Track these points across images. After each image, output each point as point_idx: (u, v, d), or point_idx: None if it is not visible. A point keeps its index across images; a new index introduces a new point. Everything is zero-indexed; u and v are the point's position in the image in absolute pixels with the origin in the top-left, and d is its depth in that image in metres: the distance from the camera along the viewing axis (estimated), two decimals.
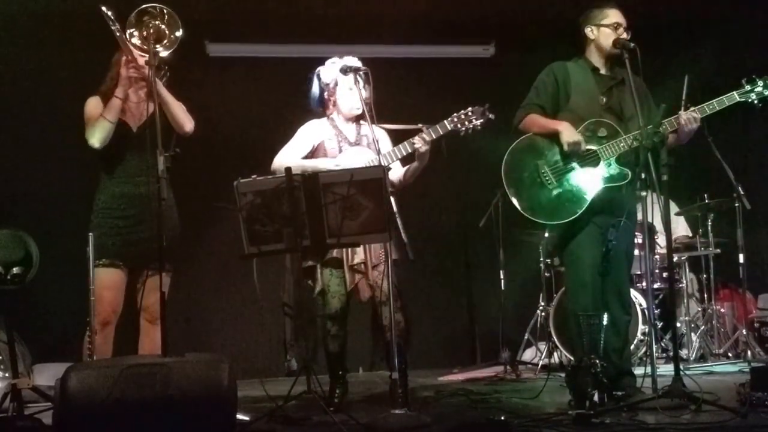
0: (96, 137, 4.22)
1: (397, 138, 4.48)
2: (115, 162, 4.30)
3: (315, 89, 4.61)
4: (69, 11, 6.05)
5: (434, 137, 4.33)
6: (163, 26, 3.99)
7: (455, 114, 4.38)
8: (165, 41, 4.01)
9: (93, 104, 4.30)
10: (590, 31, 4.38)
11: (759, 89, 4.17)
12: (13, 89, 6.23)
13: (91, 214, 4.31)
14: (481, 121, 4.39)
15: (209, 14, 6.48)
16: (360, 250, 4.33)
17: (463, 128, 4.38)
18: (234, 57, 6.79)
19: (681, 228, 6.75)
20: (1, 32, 6.14)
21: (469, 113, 4.38)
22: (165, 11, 4.00)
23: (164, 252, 4.01)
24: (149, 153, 4.16)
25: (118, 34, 4.02)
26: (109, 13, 3.97)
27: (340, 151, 4.50)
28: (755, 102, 4.18)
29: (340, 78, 4.50)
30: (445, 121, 4.36)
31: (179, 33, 4.00)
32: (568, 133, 4.22)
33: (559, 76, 4.38)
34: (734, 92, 4.19)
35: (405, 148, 4.35)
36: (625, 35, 4.29)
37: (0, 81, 6.20)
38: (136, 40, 4.01)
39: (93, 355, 4.15)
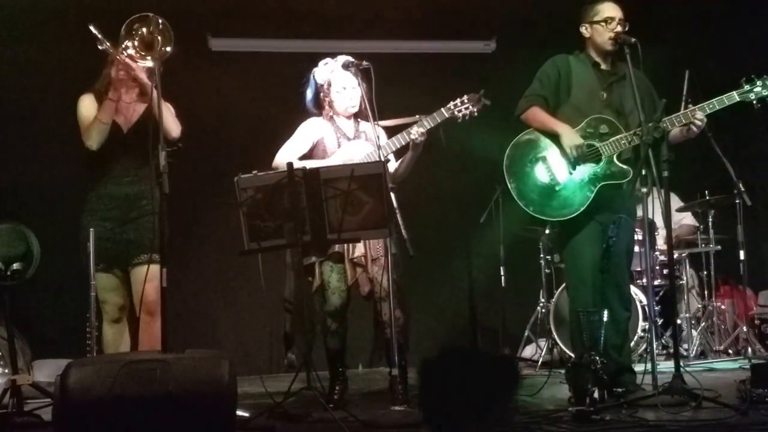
0: (93, 139, 4.22)
1: (395, 134, 4.48)
2: (103, 163, 4.30)
3: (310, 91, 4.63)
4: (70, 7, 6.05)
5: (431, 126, 4.35)
6: (158, 36, 3.95)
7: (451, 102, 4.41)
8: (155, 53, 3.96)
9: (86, 104, 4.30)
10: (585, 29, 4.37)
11: (758, 89, 4.17)
12: (16, 86, 6.22)
13: (80, 215, 4.33)
14: (478, 107, 4.41)
15: (212, 9, 6.47)
16: (360, 243, 4.34)
17: (460, 115, 4.41)
18: (236, 52, 6.78)
19: (688, 218, 6.75)
20: (3, 28, 6.14)
21: (465, 100, 4.41)
22: (159, 21, 3.96)
23: (152, 250, 4.06)
24: (140, 153, 4.18)
25: (102, 47, 4.05)
26: (97, 32, 4.01)
27: (339, 147, 4.52)
28: (754, 102, 4.19)
29: (333, 78, 4.53)
30: (442, 109, 4.39)
31: (169, 48, 3.93)
32: (569, 137, 4.21)
33: (562, 69, 4.37)
34: (734, 92, 4.19)
35: (403, 137, 4.36)
36: (619, 28, 4.25)
37: (3, 77, 6.19)
38: (130, 50, 3.98)
39: (93, 350, 4.16)
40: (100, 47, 4.04)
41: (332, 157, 4.47)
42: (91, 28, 4.00)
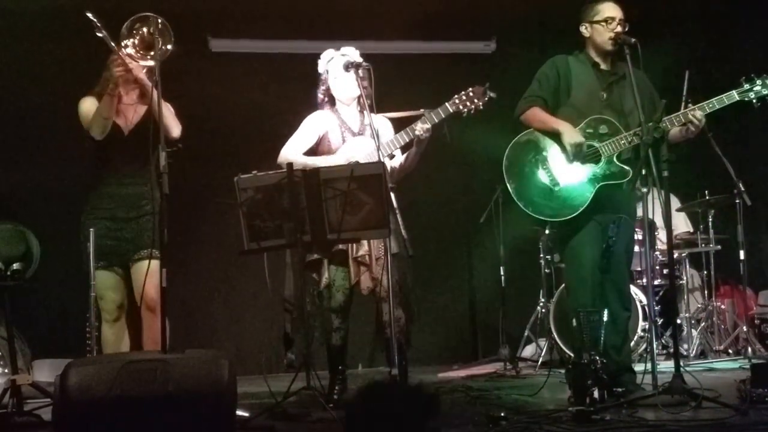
0: (95, 131, 4.24)
1: (401, 126, 4.48)
2: (104, 164, 4.33)
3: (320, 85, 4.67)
4: (70, 7, 6.05)
5: (436, 121, 4.33)
6: (157, 36, 3.94)
7: (456, 95, 4.38)
8: (154, 52, 3.94)
9: (87, 104, 4.32)
10: (584, 29, 4.36)
11: (758, 88, 4.16)
12: (16, 86, 6.22)
13: (81, 215, 4.34)
14: (483, 100, 4.39)
15: (212, 9, 6.48)
16: (364, 242, 4.35)
17: (465, 109, 4.39)
18: (236, 52, 6.78)
19: (681, 224, 6.75)
20: (3, 28, 6.14)
21: (470, 93, 4.39)
22: (159, 21, 3.96)
23: (153, 246, 4.08)
24: (140, 154, 4.18)
25: (101, 34, 4.04)
26: (95, 20, 4.01)
27: (344, 141, 4.53)
28: (753, 101, 4.19)
29: (330, 66, 4.55)
30: (447, 104, 4.37)
31: (170, 46, 3.95)
32: (570, 135, 4.20)
33: (561, 69, 4.36)
34: (733, 91, 4.18)
35: (407, 134, 4.35)
36: (619, 28, 4.24)
37: (3, 77, 6.19)
38: (130, 50, 3.98)
39: (93, 351, 4.16)
40: (99, 34, 4.03)
41: (335, 154, 4.48)
42: (89, 15, 4.00)
